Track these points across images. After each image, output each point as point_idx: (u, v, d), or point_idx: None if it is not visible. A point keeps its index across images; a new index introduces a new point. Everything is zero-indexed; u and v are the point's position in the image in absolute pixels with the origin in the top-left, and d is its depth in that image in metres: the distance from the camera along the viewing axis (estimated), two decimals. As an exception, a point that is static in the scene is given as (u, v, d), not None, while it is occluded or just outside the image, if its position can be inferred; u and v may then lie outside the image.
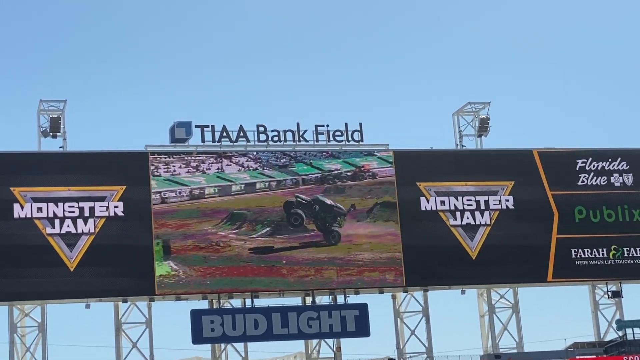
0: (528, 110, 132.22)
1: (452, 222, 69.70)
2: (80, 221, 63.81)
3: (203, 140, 66.87)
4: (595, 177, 73.04)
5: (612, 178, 73.31)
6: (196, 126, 67.01)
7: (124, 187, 64.84)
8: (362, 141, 69.39)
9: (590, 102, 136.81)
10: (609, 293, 71.70)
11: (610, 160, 73.57)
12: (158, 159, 66.07)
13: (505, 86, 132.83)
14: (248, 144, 67.58)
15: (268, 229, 66.78)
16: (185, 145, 66.97)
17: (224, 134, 67.22)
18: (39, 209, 63.39)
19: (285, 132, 68.20)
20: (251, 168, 67.66)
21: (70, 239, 63.43)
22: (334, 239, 67.59)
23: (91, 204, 64.22)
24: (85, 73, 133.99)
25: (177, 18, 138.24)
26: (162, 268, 64.56)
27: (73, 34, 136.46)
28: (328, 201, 68.20)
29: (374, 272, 67.49)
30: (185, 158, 66.71)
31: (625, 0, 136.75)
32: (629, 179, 73.39)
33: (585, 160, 73.17)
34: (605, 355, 68.43)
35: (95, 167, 65.05)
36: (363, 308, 66.39)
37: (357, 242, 67.81)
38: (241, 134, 67.54)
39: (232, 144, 67.32)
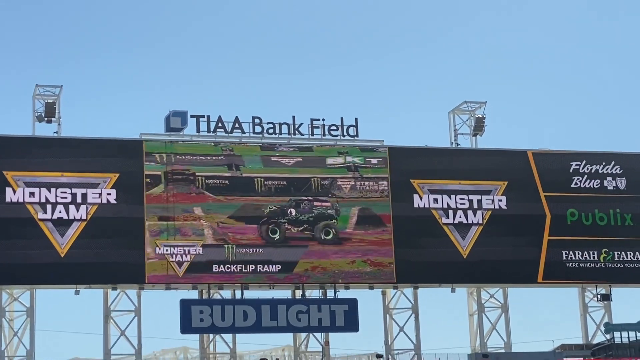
0: (524, 111, 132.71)
1: (444, 220, 69.79)
2: (72, 207, 63.75)
3: (198, 130, 66.92)
4: (588, 180, 73.20)
5: (605, 181, 73.49)
6: (192, 116, 67.03)
7: (117, 175, 64.76)
8: (358, 136, 69.50)
9: (586, 105, 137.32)
10: (599, 296, 71.95)
11: (604, 163, 73.72)
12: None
13: (502, 86, 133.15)
14: (243, 135, 67.72)
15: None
16: (180, 135, 66.97)
17: (219, 125, 67.28)
18: (32, 194, 63.30)
19: (280, 124, 68.29)
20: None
21: (62, 225, 63.39)
22: None
23: (84, 190, 64.14)
24: (82, 59, 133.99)
25: (177, 8, 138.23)
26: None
27: (71, 19, 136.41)
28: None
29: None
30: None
31: (622, 4, 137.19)
32: (622, 183, 73.58)
33: (579, 163, 73.32)
34: (592, 358, 68.66)
35: (89, 153, 64.93)
36: (353, 303, 66.57)
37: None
38: (236, 125, 67.63)
39: (227, 134, 67.44)
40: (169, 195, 65.39)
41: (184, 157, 66.18)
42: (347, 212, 67.94)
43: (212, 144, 66.86)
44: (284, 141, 68.27)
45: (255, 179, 66.78)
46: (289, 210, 66.78)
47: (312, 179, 67.74)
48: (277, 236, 66.44)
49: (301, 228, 66.93)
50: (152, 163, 65.58)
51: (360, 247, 67.75)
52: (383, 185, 68.95)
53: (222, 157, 66.79)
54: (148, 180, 65.30)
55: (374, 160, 69.22)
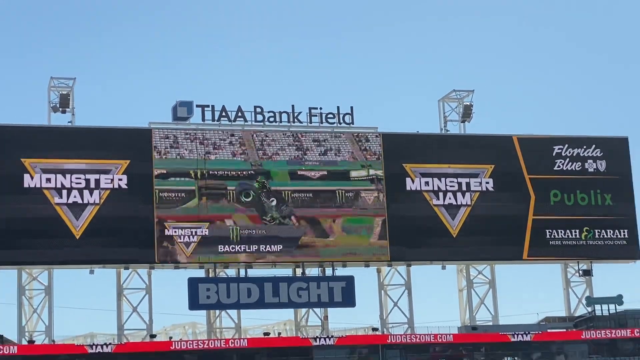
0: (509, 98, 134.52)
1: (435, 201, 72.24)
2: (86, 192, 66.36)
3: (203, 119, 69.34)
4: (570, 163, 75.41)
5: (586, 164, 75.66)
6: (197, 105, 69.48)
7: (128, 162, 67.37)
8: (353, 124, 71.79)
9: (567, 92, 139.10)
10: (580, 271, 74.09)
11: (585, 147, 75.85)
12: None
13: (489, 75, 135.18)
14: (245, 123, 70.38)
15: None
16: (187, 123, 69.52)
17: (223, 114, 69.64)
18: (48, 180, 65.96)
19: (280, 113, 70.70)
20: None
21: (77, 209, 65.98)
22: None
23: (97, 176, 66.71)
24: (94, 52, 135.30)
25: (184, 2, 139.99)
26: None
27: (84, 14, 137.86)
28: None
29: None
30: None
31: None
32: (602, 165, 75.92)
33: (561, 146, 75.50)
34: (575, 329, 70.65)
35: (101, 141, 67.35)
36: (350, 280, 68.97)
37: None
38: (239, 114, 69.97)
39: (230, 123, 70.01)
40: (202, 208, 68.19)
41: (216, 172, 68.89)
42: (372, 222, 70.80)
43: (242, 159, 69.53)
44: (284, 129, 71.04)
45: (283, 192, 69.79)
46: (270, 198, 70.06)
47: (337, 191, 70.70)
48: (249, 199, 69.23)
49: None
50: (186, 179, 68.25)
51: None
52: None
53: (252, 172, 69.48)
54: (158, 173, 68.09)
55: None
